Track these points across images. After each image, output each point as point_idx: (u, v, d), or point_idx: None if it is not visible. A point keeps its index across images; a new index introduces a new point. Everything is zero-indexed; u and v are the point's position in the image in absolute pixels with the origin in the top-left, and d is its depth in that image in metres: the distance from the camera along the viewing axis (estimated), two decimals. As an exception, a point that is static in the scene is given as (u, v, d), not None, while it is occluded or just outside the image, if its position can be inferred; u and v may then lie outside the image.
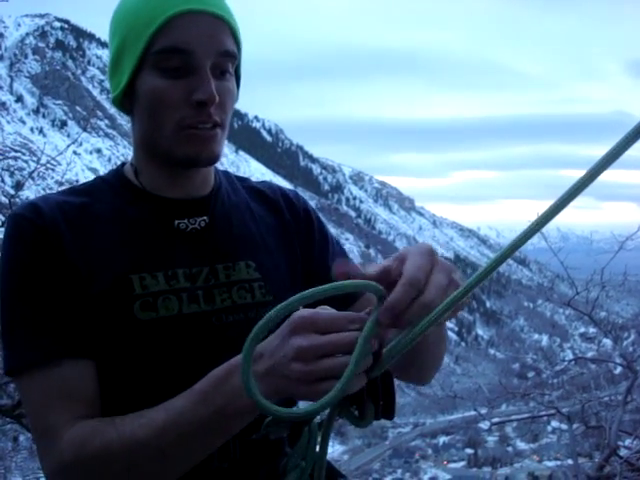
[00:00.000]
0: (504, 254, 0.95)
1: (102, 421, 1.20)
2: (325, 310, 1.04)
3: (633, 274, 7.25)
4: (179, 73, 1.29)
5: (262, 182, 1.66)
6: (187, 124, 1.30)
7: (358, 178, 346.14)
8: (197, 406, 1.10)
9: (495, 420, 7.06)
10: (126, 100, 1.38)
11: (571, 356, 8.23)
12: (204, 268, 1.39)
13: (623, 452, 5.28)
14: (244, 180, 1.63)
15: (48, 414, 1.22)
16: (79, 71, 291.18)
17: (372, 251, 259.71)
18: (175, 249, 1.39)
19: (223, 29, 1.32)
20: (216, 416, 1.09)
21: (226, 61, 1.33)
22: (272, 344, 1.03)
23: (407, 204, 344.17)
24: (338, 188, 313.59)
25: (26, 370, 1.25)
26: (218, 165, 1.53)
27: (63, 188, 1.49)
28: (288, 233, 1.56)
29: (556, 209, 0.88)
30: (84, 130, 10.63)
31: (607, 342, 7.33)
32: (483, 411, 6.82)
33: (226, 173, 1.60)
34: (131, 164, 1.46)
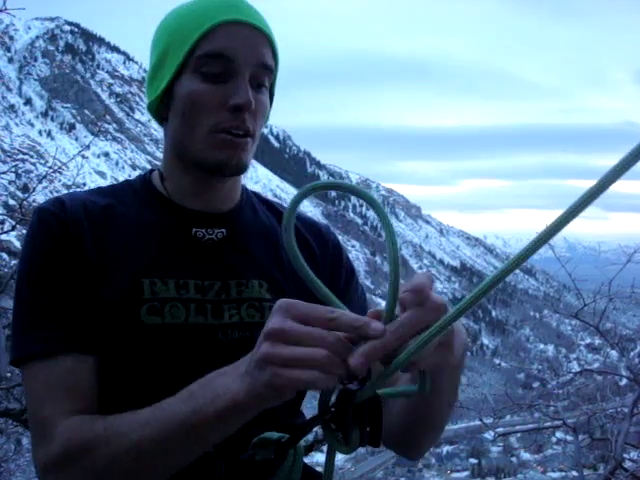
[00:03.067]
0: (506, 270, 0.90)
1: (93, 416, 1.20)
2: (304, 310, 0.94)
3: (640, 286, 7.20)
4: (219, 79, 1.32)
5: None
6: (221, 128, 1.32)
7: (365, 185, 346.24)
8: (180, 403, 1.07)
9: (500, 430, 7.03)
10: (162, 106, 1.41)
11: (577, 367, 8.19)
12: (216, 283, 1.38)
13: (628, 465, 5.25)
14: (272, 202, 1.63)
15: (47, 405, 1.22)
16: (88, 74, 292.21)
17: (378, 258, 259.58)
18: (189, 258, 1.39)
19: (265, 43, 1.36)
20: (194, 414, 1.04)
21: (263, 74, 1.36)
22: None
23: (414, 212, 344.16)
24: (345, 195, 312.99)
25: (32, 360, 1.25)
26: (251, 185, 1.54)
27: (89, 188, 1.52)
28: (313, 264, 1.50)
29: (561, 222, 0.85)
30: (95, 135, 10.62)
31: (613, 353, 7.30)
32: (488, 421, 6.79)
33: (256, 194, 1.61)
34: (158, 169, 1.48)
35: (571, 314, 6.29)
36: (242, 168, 1.38)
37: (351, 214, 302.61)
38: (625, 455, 5.53)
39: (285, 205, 1.64)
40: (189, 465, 1.13)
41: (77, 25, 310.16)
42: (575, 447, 5.55)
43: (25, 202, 6.43)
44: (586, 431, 5.82)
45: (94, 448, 1.13)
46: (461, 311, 0.93)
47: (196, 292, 1.36)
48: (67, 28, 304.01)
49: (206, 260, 1.40)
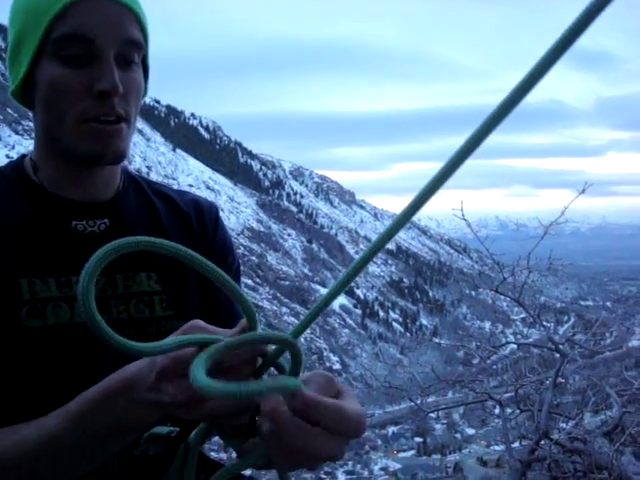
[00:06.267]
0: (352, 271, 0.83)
1: None
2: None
3: (572, 258, 7.43)
4: (80, 62, 1.21)
5: (176, 190, 1.57)
6: (89, 117, 1.22)
7: (298, 173, 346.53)
8: (72, 428, 1.01)
9: (429, 410, 7.15)
10: (26, 93, 1.30)
11: (513, 340, 8.43)
12: (101, 278, 1.30)
13: (557, 436, 5.35)
14: (156, 185, 1.55)
15: None
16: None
17: (315, 245, 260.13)
18: (71, 253, 1.30)
19: (128, 17, 1.24)
20: (92, 438, 1.01)
21: (131, 50, 1.25)
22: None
23: (348, 197, 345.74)
24: (278, 184, 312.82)
25: None
26: (129, 165, 1.47)
27: None
28: (196, 245, 1.46)
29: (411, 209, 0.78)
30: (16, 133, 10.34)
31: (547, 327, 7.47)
32: (430, 400, 6.90)
33: (136, 176, 1.51)
34: (30, 159, 1.37)
35: (491, 288, 6.39)
36: (119, 157, 1.28)
37: (286, 202, 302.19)
38: (562, 425, 5.65)
39: (170, 187, 1.59)
40: None
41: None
42: (502, 420, 5.66)
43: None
44: (515, 404, 5.94)
45: None
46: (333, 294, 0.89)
47: None
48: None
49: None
